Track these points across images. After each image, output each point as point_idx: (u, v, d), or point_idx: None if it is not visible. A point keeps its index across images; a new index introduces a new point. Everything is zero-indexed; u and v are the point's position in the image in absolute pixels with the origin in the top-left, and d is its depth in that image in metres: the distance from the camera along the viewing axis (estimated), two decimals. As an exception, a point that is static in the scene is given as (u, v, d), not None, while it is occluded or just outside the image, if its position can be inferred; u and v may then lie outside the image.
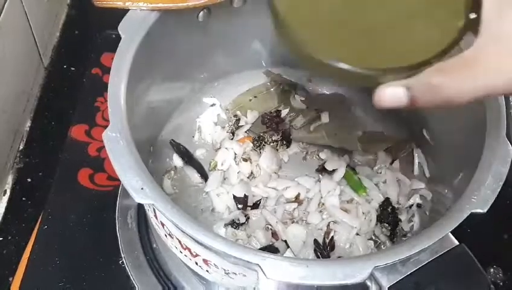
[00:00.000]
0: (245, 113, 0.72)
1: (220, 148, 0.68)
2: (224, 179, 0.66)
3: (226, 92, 0.73)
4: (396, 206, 0.64)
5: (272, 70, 0.74)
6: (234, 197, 0.64)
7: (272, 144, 0.69)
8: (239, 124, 0.71)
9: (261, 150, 0.68)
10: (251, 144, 0.69)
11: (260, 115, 0.71)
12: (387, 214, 0.63)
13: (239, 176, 0.66)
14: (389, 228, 0.63)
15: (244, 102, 0.73)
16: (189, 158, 0.68)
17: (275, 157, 0.67)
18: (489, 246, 0.63)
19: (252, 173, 0.67)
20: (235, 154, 0.67)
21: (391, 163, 0.68)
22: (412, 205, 0.64)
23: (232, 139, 0.69)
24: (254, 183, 0.66)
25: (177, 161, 0.68)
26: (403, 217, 0.64)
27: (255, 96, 0.73)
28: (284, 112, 0.71)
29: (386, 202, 0.64)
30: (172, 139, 0.68)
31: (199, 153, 0.69)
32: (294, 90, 0.73)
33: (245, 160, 0.67)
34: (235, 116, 0.72)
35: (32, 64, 0.79)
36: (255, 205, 0.64)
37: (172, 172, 0.67)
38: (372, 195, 0.65)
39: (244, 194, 0.64)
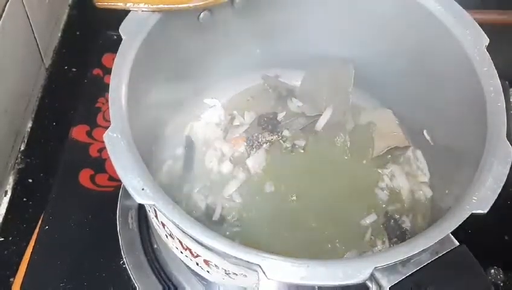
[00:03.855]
0: (242, 114, 0.72)
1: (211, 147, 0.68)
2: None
3: (227, 92, 0.73)
4: (396, 216, 0.64)
5: (272, 71, 0.74)
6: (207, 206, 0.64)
7: (264, 145, 0.69)
8: (233, 123, 0.70)
9: (254, 151, 0.68)
10: (244, 144, 0.68)
11: (257, 117, 0.71)
12: (392, 228, 0.62)
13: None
14: (399, 242, 0.62)
15: (241, 102, 0.73)
16: (188, 159, 0.68)
17: (264, 161, 0.67)
18: (489, 247, 0.63)
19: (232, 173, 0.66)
20: (223, 154, 0.67)
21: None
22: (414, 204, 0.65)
23: (225, 138, 0.69)
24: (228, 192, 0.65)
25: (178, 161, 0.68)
26: (407, 220, 0.64)
27: (252, 97, 0.73)
28: (281, 115, 0.71)
29: (386, 217, 0.63)
30: (188, 135, 0.68)
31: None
32: (291, 94, 0.73)
33: (230, 161, 0.67)
34: (230, 115, 0.71)
35: (33, 65, 0.79)
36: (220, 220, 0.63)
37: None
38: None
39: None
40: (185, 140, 0.68)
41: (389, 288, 0.42)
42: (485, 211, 0.45)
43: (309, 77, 0.73)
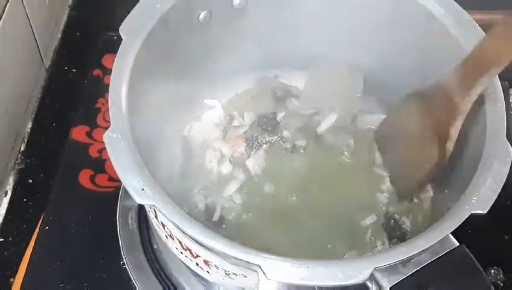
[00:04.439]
0: (242, 114, 0.72)
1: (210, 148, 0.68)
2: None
3: (227, 93, 0.73)
4: (396, 217, 0.64)
5: (272, 71, 0.74)
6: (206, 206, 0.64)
7: (264, 145, 0.68)
8: (233, 124, 0.70)
9: (254, 151, 0.68)
10: (244, 145, 0.68)
11: (257, 117, 0.71)
12: (392, 228, 0.62)
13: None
14: (399, 242, 0.61)
15: (240, 102, 0.72)
16: (185, 160, 0.68)
17: (264, 162, 0.67)
18: (489, 247, 0.63)
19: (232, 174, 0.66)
20: (222, 155, 0.67)
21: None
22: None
23: (224, 138, 0.69)
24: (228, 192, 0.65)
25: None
26: (407, 220, 0.63)
27: (252, 97, 0.73)
28: (280, 115, 0.71)
29: (386, 217, 0.63)
30: (183, 136, 0.68)
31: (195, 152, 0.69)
32: (290, 95, 0.73)
33: (230, 161, 0.67)
34: (230, 115, 0.71)
35: (33, 66, 0.79)
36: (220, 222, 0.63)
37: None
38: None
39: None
40: (181, 141, 0.68)
41: (389, 288, 0.42)
42: (485, 211, 0.45)
43: (313, 79, 0.73)
